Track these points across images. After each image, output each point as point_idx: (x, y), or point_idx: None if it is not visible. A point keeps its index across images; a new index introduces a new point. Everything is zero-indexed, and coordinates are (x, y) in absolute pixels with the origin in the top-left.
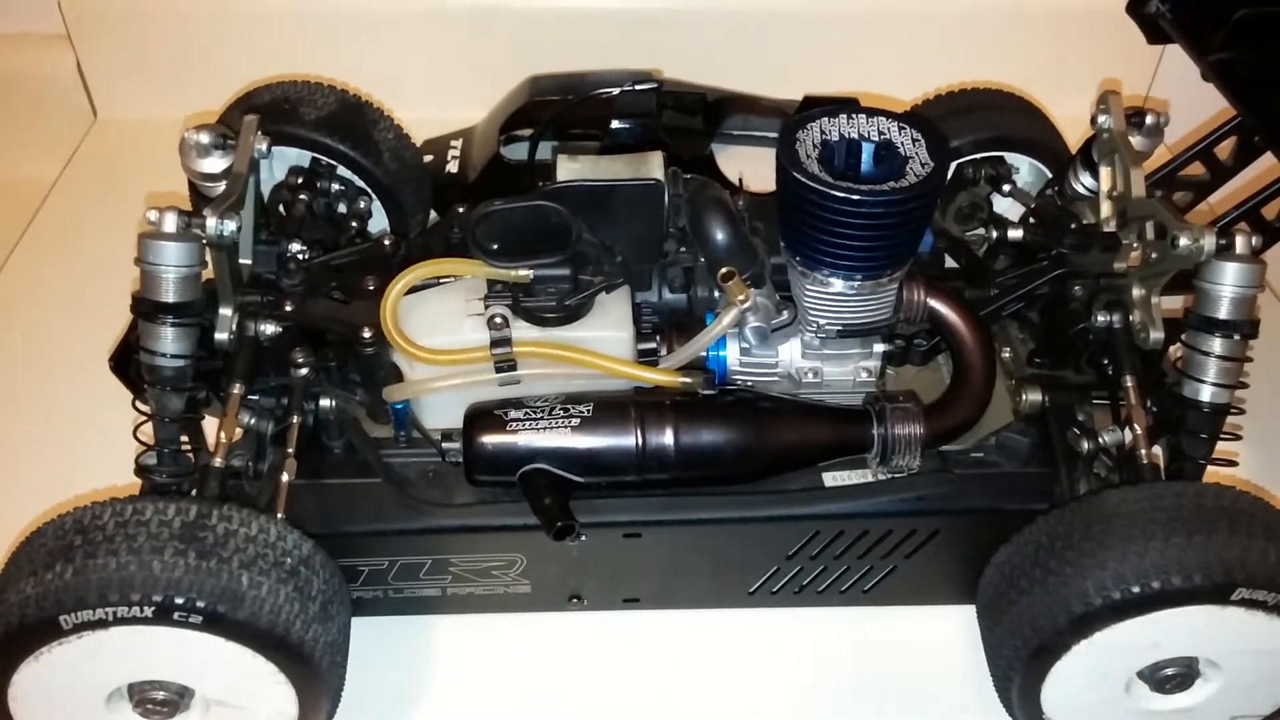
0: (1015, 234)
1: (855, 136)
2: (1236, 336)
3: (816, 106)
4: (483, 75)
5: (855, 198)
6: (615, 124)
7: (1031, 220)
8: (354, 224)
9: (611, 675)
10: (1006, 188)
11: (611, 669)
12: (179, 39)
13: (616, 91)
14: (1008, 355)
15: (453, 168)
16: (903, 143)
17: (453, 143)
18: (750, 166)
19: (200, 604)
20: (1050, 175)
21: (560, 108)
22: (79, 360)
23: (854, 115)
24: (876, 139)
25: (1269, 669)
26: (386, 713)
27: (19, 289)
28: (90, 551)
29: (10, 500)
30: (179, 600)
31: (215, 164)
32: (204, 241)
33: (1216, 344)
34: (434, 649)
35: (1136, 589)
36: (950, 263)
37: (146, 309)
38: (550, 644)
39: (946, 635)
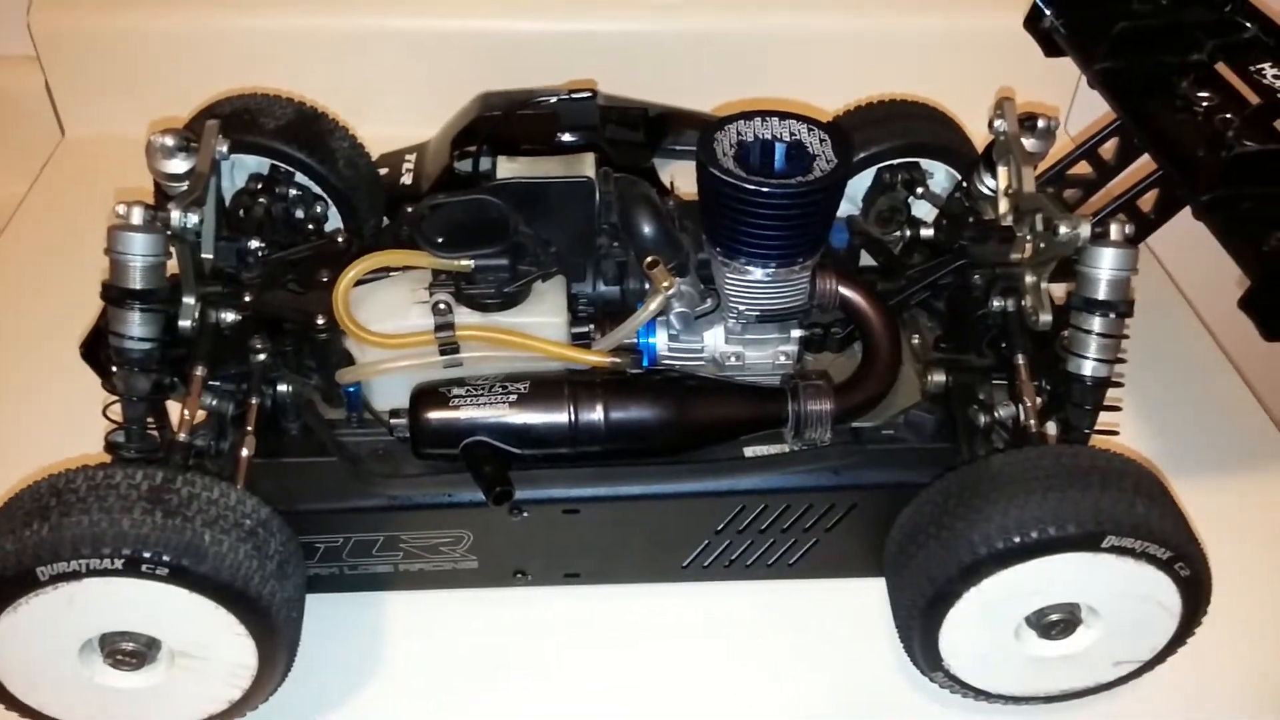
0: (927, 233)
1: (769, 137)
2: (1114, 315)
3: None
4: (437, 94)
5: (765, 190)
6: (563, 137)
7: (943, 220)
8: (310, 227)
9: (555, 648)
10: (920, 190)
11: (555, 642)
12: (146, 59)
13: (554, 100)
14: (916, 341)
15: (407, 180)
16: (811, 143)
17: (407, 156)
18: (682, 177)
19: (166, 557)
20: (960, 178)
21: (503, 121)
22: (48, 358)
23: (768, 118)
24: (788, 139)
25: (1144, 615)
26: (343, 684)
27: None
28: (65, 510)
29: None
30: (146, 554)
31: (179, 165)
32: (168, 233)
33: (1096, 322)
34: (388, 625)
35: (1017, 539)
36: (868, 260)
37: (115, 295)
38: (498, 619)
39: (867, 604)
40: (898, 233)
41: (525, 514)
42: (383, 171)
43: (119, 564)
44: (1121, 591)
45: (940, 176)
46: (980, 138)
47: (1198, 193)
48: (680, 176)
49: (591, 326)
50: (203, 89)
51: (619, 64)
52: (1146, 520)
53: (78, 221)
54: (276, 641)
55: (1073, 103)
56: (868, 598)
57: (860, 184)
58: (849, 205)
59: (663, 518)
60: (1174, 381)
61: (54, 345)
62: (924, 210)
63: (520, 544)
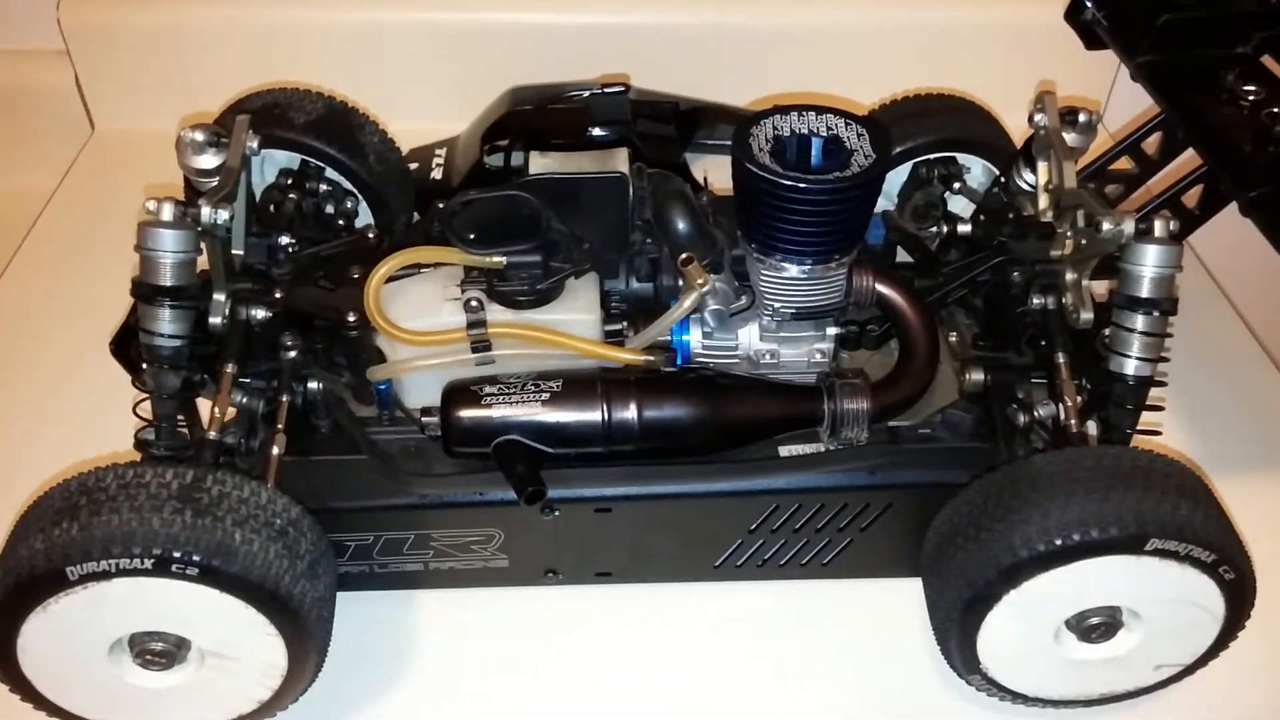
0: (964, 229)
1: (805, 132)
2: (1157, 313)
3: None
4: (467, 88)
5: (802, 185)
6: (594, 132)
7: (981, 216)
8: (341, 223)
9: (585, 646)
10: (957, 185)
11: (585, 640)
12: (175, 53)
13: (586, 94)
14: (954, 339)
15: (437, 175)
16: (849, 138)
17: (437, 151)
18: (716, 171)
19: (196, 557)
20: (998, 173)
21: (534, 115)
22: (78, 355)
23: (804, 113)
24: (825, 134)
25: (1186, 618)
26: (373, 682)
27: (19, 295)
28: (94, 510)
29: (19, 470)
30: (176, 554)
31: (209, 160)
32: (199, 230)
33: (1139, 321)
34: (418, 622)
35: (1058, 541)
36: (904, 257)
37: (145, 292)
38: (528, 617)
39: (902, 605)
40: (934, 228)
41: (557, 513)
42: (413, 166)
43: (149, 564)
44: (1164, 595)
45: (977, 171)
46: (1017, 132)
47: (1244, 189)
48: (713, 171)
49: (625, 324)
50: (232, 84)
51: (651, 59)
52: (1191, 523)
53: (107, 217)
54: (307, 641)
55: (1109, 97)
56: (902, 598)
57: (896, 179)
58: (884, 200)
59: (696, 517)
60: (1217, 381)
61: (83, 342)
62: (960, 205)
63: (552, 543)
